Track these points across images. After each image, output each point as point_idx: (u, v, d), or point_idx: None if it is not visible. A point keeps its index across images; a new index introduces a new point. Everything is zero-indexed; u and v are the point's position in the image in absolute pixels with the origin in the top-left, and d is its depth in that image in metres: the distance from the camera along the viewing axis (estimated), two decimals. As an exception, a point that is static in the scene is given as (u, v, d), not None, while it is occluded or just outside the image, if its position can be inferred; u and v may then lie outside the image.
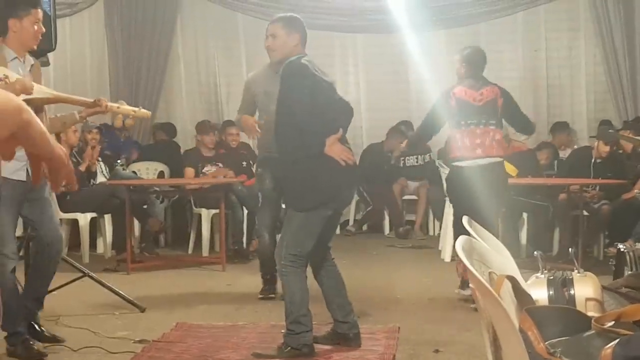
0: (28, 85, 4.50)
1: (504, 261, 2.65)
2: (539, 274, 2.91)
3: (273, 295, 6.40)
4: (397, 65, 10.82)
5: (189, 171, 9.14)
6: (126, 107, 5.28)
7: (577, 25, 10.87)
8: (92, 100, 5.13)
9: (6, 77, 4.41)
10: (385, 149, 10.57)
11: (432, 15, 10.59)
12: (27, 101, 4.44)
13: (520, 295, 2.43)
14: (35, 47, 4.87)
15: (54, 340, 5.06)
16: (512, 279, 2.39)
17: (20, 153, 4.64)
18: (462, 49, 6.53)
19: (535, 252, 3.26)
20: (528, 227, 8.56)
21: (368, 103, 11.12)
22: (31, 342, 4.84)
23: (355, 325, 5.03)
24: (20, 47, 4.76)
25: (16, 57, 4.76)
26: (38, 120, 1.42)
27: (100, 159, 9.05)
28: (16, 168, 4.65)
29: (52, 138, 1.49)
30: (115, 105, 5.25)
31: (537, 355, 2.13)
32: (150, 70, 10.90)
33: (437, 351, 4.94)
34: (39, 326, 5.10)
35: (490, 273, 2.34)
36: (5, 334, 4.78)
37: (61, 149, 1.52)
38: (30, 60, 4.90)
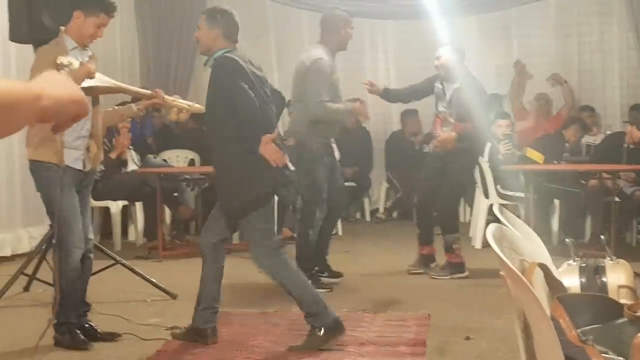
0: (92, 69, 4.53)
1: (535, 248, 2.64)
2: (570, 261, 2.89)
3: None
4: (427, 52, 10.72)
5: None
6: (181, 101, 5.32)
7: (609, 9, 10.75)
8: (149, 91, 5.16)
9: (70, 63, 4.42)
10: (407, 133, 10.58)
11: (463, 1, 10.52)
12: (91, 89, 4.50)
13: (552, 282, 2.42)
14: (86, 45, 4.87)
15: (110, 337, 5.04)
16: (543, 266, 2.38)
17: (77, 143, 4.67)
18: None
19: (566, 239, 3.25)
20: (560, 213, 8.50)
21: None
22: (78, 332, 4.86)
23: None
24: (79, 40, 4.79)
25: (76, 47, 4.79)
26: (59, 96, 1.43)
27: (131, 147, 9.10)
28: (75, 157, 4.75)
29: (75, 92, 1.50)
30: (171, 98, 5.28)
31: (568, 342, 2.12)
32: (180, 59, 10.93)
33: (468, 338, 4.93)
34: (93, 327, 5.06)
35: (521, 260, 2.33)
36: (55, 321, 4.79)
37: (77, 98, 1.53)
38: (89, 51, 4.91)
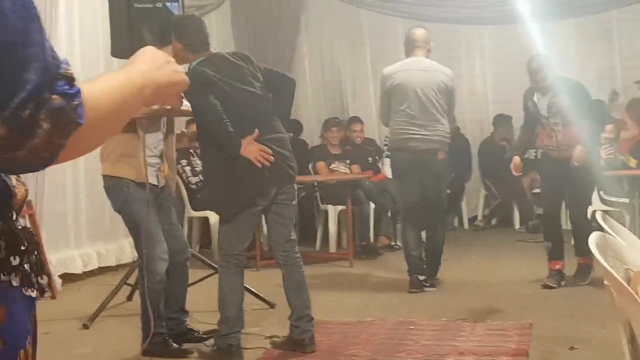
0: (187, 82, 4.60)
1: (640, 256, 2.56)
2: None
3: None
4: (524, 57, 10.57)
5: (321, 165, 9.21)
6: None
7: None
8: None
9: None
10: (497, 139, 10.45)
11: (561, 4, 10.32)
12: (180, 111, 4.64)
13: (659, 292, 2.34)
14: None
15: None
16: (649, 275, 2.31)
17: (153, 160, 4.78)
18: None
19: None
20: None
21: (495, 95, 10.99)
22: (169, 340, 4.95)
23: (308, 330, 4.93)
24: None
25: None
26: (159, 80, 1.45)
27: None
28: (150, 172, 4.83)
29: (176, 71, 1.51)
30: None
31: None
32: (277, 65, 11.01)
33: (572, 348, 4.82)
34: (193, 331, 5.21)
35: (626, 270, 2.27)
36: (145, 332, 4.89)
37: (180, 72, 1.54)
38: None
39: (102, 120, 1.27)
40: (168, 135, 5.05)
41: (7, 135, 1.11)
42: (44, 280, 1.36)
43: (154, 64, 1.44)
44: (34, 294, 1.33)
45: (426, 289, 6.65)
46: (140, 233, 4.72)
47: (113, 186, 4.86)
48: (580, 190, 6.74)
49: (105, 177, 4.90)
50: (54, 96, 1.14)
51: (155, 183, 4.91)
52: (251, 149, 4.65)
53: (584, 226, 6.54)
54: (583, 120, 6.55)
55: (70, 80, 1.17)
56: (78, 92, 1.18)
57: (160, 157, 4.98)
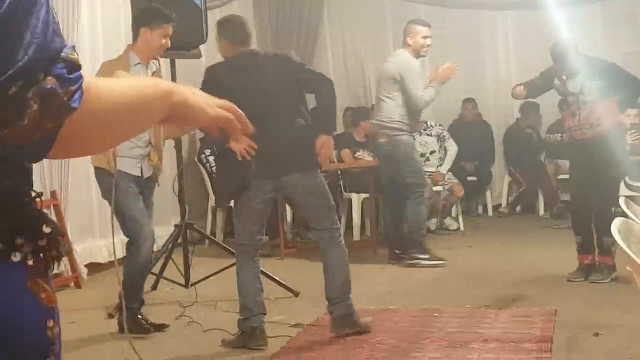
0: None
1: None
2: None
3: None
4: (548, 42, 10.49)
5: (346, 153, 9.21)
6: None
7: None
8: None
9: None
10: (522, 126, 10.39)
11: (586, -12, 10.25)
12: None
13: (683, 277, 2.33)
14: (158, 58, 5.27)
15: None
16: (673, 260, 2.29)
17: (134, 152, 4.97)
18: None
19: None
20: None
21: (519, 82, 10.87)
22: (140, 317, 5.20)
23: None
24: (144, 55, 5.13)
25: (139, 63, 5.13)
26: (189, 96, 1.44)
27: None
28: (132, 164, 5.13)
29: (208, 104, 1.48)
30: None
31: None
32: (299, 56, 11.02)
33: (596, 334, 4.80)
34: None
35: (649, 255, 2.26)
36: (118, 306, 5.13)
37: (216, 108, 1.53)
38: (153, 66, 5.26)
39: (110, 113, 1.25)
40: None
41: None
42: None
43: (188, 89, 1.45)
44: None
45: (407, 261, 7.25)
46: (126, 219, 5.10)
47: (97, 175, 5.21)
48: (601, 176, 6.26)
49: (93, 167, 5.21)
50: (49, 78, 1.12)
51: (138, 174, 5.19)
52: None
53: (603, 218, 6.04)
54: (616, 95, 6.35)
55: (71, 65, 1.15)
56: (79, 79, 1.16)
57: (150, 146, 5.21)
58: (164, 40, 5.11)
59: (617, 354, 4.47)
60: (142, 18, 5.20)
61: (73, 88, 1.15)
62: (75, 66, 1.16)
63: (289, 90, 4.99)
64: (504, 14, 10.95)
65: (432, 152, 9.76)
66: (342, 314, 5.00)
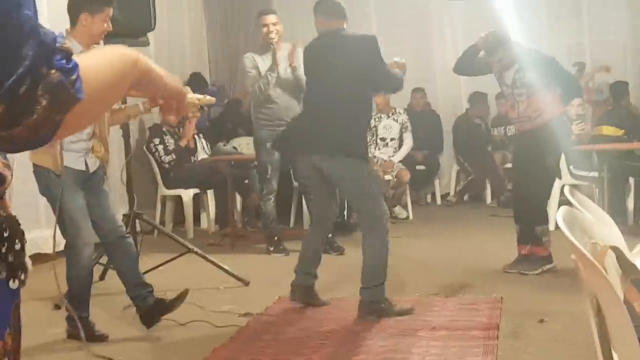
0: None
1: (608, 231, 2.59)
2: (645, 243, 2.82)
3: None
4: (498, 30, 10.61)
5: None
6: (191, 96, 5.36)
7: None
8: None
9: None
10: (472, 116, 10.48)
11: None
12: None
13: (626, 265, 2.37)
14: (99, 43, 4.93)
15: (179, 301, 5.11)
16: (616, 249, 2.33)
17: (77, 146, 4.77)
18: None
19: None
20: (635, 192, 8.32)
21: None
22: (92, 324, 4.90)
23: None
24: (86, 41, 4.83)
25: (82, 50, 4.66)
26: (151, 64, 1.44)
27: (200, 135, 9.21)
28: (75, 158, 4.85)
29: (165, 75, 1.51)
30: None
31: (643, 327, 2.08)
32: (249, 46, 10.95)
33: (542, 321, 4.87)
34: (161, 300, 5.08)
35: (593, 244, 2.29)
36: (66, 314, 4.89)
37: (175, 82, 1.55)
38: None
39: (98, 93, 1.25)
40: None
41: (4, 112, 1.09)
42: (25, 271, 1.33)
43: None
44: (16, 285, 1.30)
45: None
46: (64, 218, 4.75)
47: (36, 173, 4.88)
48: (539, 166, 6.22)
49: (32, 164, 4.89)
50: (52, 71, 1.12)
51: (82, 168, 4.90)
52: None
53: (534, 208, 6.27)
54: (553, 89, 6.32)
55: (67, 54, 1.15)
56: (76, 66, 1.16)
57: (95, 137, 4.93)
58: (105, 25, 4.86)
59: (562, 340, 4.53)
60: (81, 2, 4.87)
61: (73, 77, 1.15)
62: (69, 54, 1.15)
63: (356, 78, 5.17)
64: (452, 2, 11.01)
65: (392, 139, 9.76)
66: (367, 300, 5.13)
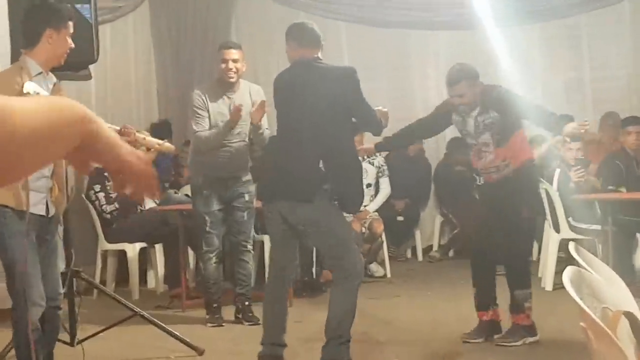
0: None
1: (619, 294, 2.59)
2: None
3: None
4: (485, 67, 10.73)
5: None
6: (151, 140, 5.46)
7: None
8: (118, 128, 5.00)
9: (37, 93, 4.40)
10: (452, 164, 10.49)
11: (524, 7, 10.49)
12: None
13: (640, 333, 2.37)
14: (61, 63, 4.80)
15: None
16: (630, 315, 2.34)
17: (40, 183, 4.58)
18: None
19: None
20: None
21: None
22: None
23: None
24: (48, 61, 4.70)
25: (41, 72, 4.67)
26: (107, 129, 1.42)
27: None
28: (36, 200, 4.58)
29: (124, 146, 1.49)
30: (142, 136, 5.41)
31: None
32: (203, 80, 10.99)
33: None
34: None
35: (604, 309, 2.30)
36: None
37: (136, 156, 1.52)
38: (52, 78, 4.82)
39: (23, 139, 1.23)
40: None
41: None
42: None
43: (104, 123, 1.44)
44: None
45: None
46: (16, 273, 4.50)
47: None
48: (512, 219, 6.13)
49: None
50: None
51: (42, 213, 4.64)
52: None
53: (513, 269, 6.24)
54: (520, 130, 6.19)
55: None
56: None
57: (52, 176, 4.68)
58: (69, 41, 4.70)
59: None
60: (42, 17, 4.69)
61: None
62: None
63: (335, 113, 5.21)
64: (435, 34, 11.13)
65: (368, 185, 9.69)
66: (326, 358, 5.20)
